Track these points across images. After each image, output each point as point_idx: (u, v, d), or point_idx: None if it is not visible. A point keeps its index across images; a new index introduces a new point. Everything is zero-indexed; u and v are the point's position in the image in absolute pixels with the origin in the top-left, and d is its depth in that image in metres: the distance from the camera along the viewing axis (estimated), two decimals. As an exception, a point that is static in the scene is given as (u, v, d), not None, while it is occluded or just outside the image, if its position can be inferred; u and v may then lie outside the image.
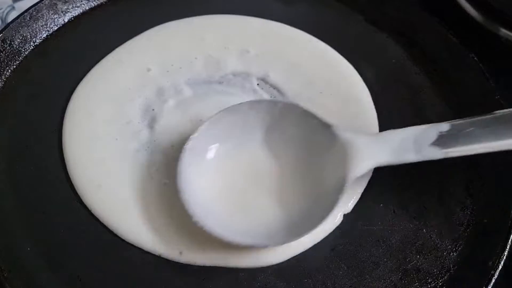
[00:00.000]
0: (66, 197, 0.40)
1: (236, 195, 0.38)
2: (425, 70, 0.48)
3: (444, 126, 0.36)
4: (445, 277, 0.36)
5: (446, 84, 0.46)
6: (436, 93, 0.46)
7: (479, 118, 0.37)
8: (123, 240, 0.38)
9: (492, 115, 0.37)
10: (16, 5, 0.62)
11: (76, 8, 0.52)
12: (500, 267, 0.35)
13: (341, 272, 0.37)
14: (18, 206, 0.40)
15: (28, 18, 0.49)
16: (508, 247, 0.36)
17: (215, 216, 0.36)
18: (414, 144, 0.36)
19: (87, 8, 0.53)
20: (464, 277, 0.36)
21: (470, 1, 0.52)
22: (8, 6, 0.62)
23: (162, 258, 0.37)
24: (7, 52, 0.47)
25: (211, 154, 0.39)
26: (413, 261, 0.37)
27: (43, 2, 0.50)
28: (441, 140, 0.36)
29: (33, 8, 0.49)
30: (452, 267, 0.36)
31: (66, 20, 0.51)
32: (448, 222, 0.39)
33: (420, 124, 0.38)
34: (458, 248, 0.37)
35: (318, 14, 0.53)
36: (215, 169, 0.38)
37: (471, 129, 0.36)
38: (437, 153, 0.35)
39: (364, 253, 0.37)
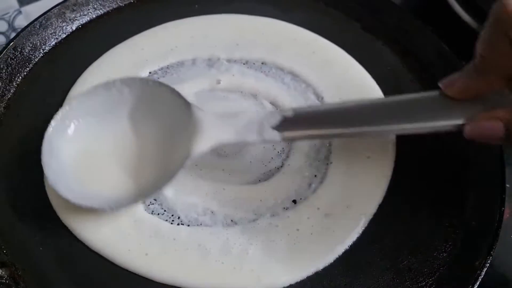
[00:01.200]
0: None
1: (93, 166, 0.41)
2: (419, 77, 0.49)
3: (288, 112, 0.39)
4: (435, 276, 0.38)
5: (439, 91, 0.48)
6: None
7: (318, 105, 0.42)
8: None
9: (336, 104, 0.41)
10: (23, 9, 0.63)
11: (84, 16, 0.54)
12: (486, 266, 0.36)
13: (336, 271, 0.38)
14: (30, 205, 0.41)
15: (38, 27, 0.51)
16: (494, 248, 0.37)
17: (67, 180, 0.39)
18: (258, 126, 0.39)
19: (94, 16, 0.54)
20: (453, 276, 0.37)
21: (465, 7, 0.54)
22: (15, 11, 0.63)
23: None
24: (18, 59, 0.49)
25: (72, 129, 0.41)
26: (405, 261, 0.39)
27: (52, 11, 0.52)
28: (283, 125, 0.38)
29: (42, 17, 0.51)
30: (442, 267, 0.38)
31: (74, 28, 0.53)
32: (439, 224, 0.40)
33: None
34: (448, 249, 0.39)
35: (315, 21, 0.54)
36: (80, 138, 0.41)
37: (310, 115, 0.40)
38: (277, 136, 0.38)
39: (358, 253, 0.39)
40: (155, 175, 0.40)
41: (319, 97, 0.47)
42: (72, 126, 0.41)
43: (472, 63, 0.35)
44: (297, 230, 0.40)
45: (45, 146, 0.39)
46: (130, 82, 0.42)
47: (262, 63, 0.50)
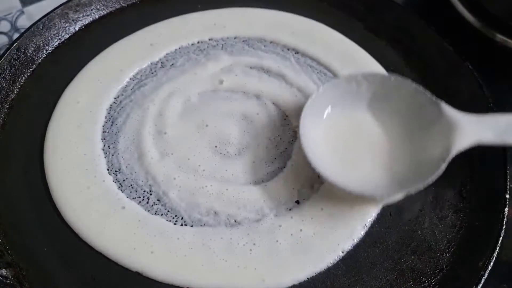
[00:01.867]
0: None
1: (346, 152, 0.43)
2: (421, 76, 0.49)
3: None
4: (438, 277, 0.38)
5: (441, 90, 0.47)
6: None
7: None
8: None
9: None
10: (26, 9, 0.63)
11: (87, 16, 0.54)
12: (490, 267, 0.37)
13: (339, 272, 0.38)
14: (33, 207, 0.42)
15: (41, 27, 0.51)
16: (497, 248, 0.37)
17: (331, 167, 0.40)
18: None
19: (97, 16, 0.54)
20: (456, 277, 0.38)
21: (468, 7, 0.54)
22: (18, 11, 0.63)
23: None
24: (22, 60, 0.49)
25: (325, 114, 0.44)
26: (408, 261, 0.39)
27: (55, 11, 0.52)
28: None
29: (45, 18, 0.51)
30: (445, 267, 0.38)
31: (77, 29, 0.53)
32: (442, 224, 0.41)
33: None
34: (451, 249, 0.39)
35: (319, 21, 0.54)
36: (329, 128, 0.44)
37: None
38: None
39: (361, 254, 0.39)
40: (408, 167, 0.41)
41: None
42: (324, 114, 0.44)
43: None
44: (300, 230, 0.40)
45: (303, 136, 0.41)
46: (371, 77, 0.44)
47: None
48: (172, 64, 0.51)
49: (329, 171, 0.40)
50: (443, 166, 0.38)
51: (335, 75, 0.50)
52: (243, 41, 0.52)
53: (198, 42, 0.52)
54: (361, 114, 0.45)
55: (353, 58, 0.51)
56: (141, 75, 0.50)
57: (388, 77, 0.44)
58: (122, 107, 0.47)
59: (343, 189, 0.39)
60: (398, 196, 0.41)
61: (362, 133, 0.44)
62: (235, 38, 0.53)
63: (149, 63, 0.50)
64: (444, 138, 0.40)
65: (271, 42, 0.52)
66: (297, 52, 0.52)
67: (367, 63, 0.50)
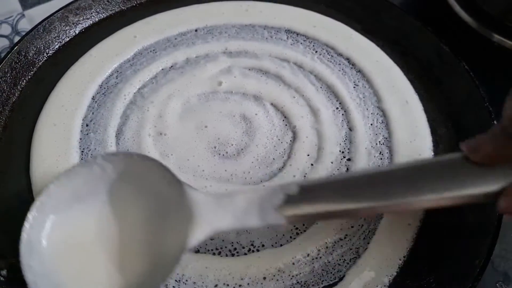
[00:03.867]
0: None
1: (77, 262, 0.36)
2: (418, 77, 0.50)
3: (292, 188, 0.34)
4: (436, 275, 0.38)
5: (438, 90, 0.48)
6: (428, 99, 0.48)
7: (326, 178, 0.39)
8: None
9: (347, 175, 0.38)
10: (26, 12, 0.64)
11: (87, 20, 0.54)
12: (486, 266, 0.36)
13: (338, 271, 0.39)
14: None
15: (41, 31, 0.51)
16: (494, 246, 0.37)
17: (51, 284, 0.34)
18: (259, 208, 0.34)
19: (97, 19, 0.55)
20: (454, 275, 0.38)
21: (465, 7, 0.54)
22: (18, 14, 0.63)
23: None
24: (22, 63, 0.50)
25: (56, 216, 0.36)
26: (405, 260, 0.39)
27: (55, 14, 0.52)
28: (288, 203, 0.34)
29: (46, 21, 0.51)
30: (443, 266, 0.38)
31: (77, 32, 0.54)
32: (439, 223, 0.40)
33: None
34: (448, 248, 0.39)
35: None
36: (61, 231, 0.36)
37: (317, 189, 0.35)
38: (281, 220, 0.34)
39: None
40: (146, 268, 0.35)
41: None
42: (52, 217, 0.36)
43: (499, 125, 0.31)
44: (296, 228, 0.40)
45: (23, 246, 0.34)
46: (113, 157, 0.37)
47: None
48: (171, 67, 0.51)
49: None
50: (176, 267, 0.33)
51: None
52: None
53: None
54: (104, 204, 0.38)
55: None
56: (143, 82, 0.50)
57: (129, 155, 0.38)
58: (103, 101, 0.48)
59: None
60: None
61: (99, 230, 0.37)
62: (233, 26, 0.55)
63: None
64: (182, 228, 0.34)
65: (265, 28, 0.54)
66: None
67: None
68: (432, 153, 0.45)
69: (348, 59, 0.52)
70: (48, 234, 0.36)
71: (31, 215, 0.35)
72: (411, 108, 0.47)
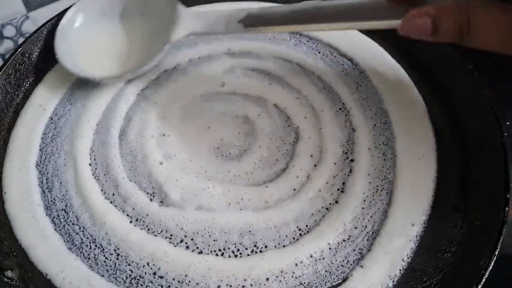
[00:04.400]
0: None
1: (93, 53, 0.51)
2: (422, 77, 0.49)
3: (254, 9, 0.45)
4: (440, 276, 0.38)
5: (442, 91, 0.48)
6: (432, 100, 0.48)
7: (280, 5, 0.45)
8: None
9: (296, 5, 0.44)
10: (30, 14, 0.64)
11: (90, 21, 0.54)
12: (491, 266, 0.36)
13: (341, 272, 0.39)
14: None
15: (45, 32, 0.51)
16: (499, 247, 0.37)
17: (74, 59, 0.49)
18: (226, 20, 0.45)
19: (101, 20, 0.55)
20: (458, 276, 0.37)
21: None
22: (22, 16, 0.64)
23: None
24: (26, 64, 0.50)
25: (84, 18, 0.52)
26: (409, 261, 0.39)
27: (59, 16, 0.52)
28: (248, 20, 0.44)
29: (49, 23, 0.51)
30: (446, 267, 0.38)
31: (81, 33, 0.54)
32: (443, 224, 0.41)
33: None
34: (452, 249, 0.39)
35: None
36: (85, 30, 0.52)
37: (273, 13, 0.44)
38: (241, 29, 0.45)
39: (364, 254, 0.40)
40: (140, 61, 0.49)
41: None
42: (80, 18, 0.51)
43: None
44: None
45: (59, 32, 0.50)
46: None
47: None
48: (175, 67, 0.51)
49: (72, 65, 0.48)
50: (158, 55, 0.48)
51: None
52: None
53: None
54: (115, 19, 0.52)
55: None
56: (145, 84, 0.50)
57: None
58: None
59: (79, 76, 0.48)
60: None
61: (111, 36, 0.52)
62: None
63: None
64: (168, 32, 0.47)
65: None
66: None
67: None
68: (436, 154, 0.44)
69: (351, 60, 0.52)
70: (77, 29, 0.51)
71: (70, 12, 0.51)
72: (414, 108, 0.47)
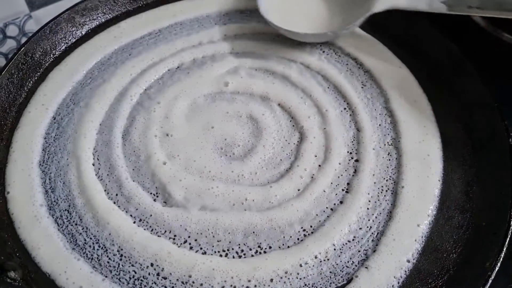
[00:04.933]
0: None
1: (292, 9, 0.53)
2: (427, 77, 0.49)
3: None
4: (445, 278, 0.38)
5: (446, 90, 0.48)
6: (437, 99, 0.48)
7: None
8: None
9: None
10: (33, 14, 0.64)
11: (93, 20, 0.55)
12: (497, 268, 0.36)
13: (346, 273, 0.39)
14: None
15: (48, 32, 0.51)
16: (505, 249, 0.37)
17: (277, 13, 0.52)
18: None
19: (103, 20, 0.55)
20: (463, 278, 0.37)
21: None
22: (25, 15, 0.63)
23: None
24: (29, 64, 0.50)
25: None
26: (414, 262, 0.39)
27: (61, 16, 0.52)
28: (451, 1, 0.46)
29: (52, 22, 0.52)
30: (452, 268, 0.38)
31: (83, 33, 0.54)
32: (448, 225, 0.40)
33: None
34: (458, 250, 0.39)
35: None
36: None
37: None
38: (444, 9, 0.46)
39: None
40: (340, 23, 0.51)
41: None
42: None
43: None
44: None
45: None
46: None
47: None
48: (178, 67, 0.51)
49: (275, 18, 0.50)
50: (360, 20, 0.49)
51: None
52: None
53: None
54: None
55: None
56: (148, 84, 0.50)
57: None
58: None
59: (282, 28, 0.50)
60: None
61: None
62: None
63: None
64: (368, 2, 0.50)
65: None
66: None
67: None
68: (441, 153, 0.44)
69: (355, 59, 0.52)
70: None
71: None
72: (419, 108, 0.47)
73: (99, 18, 0.55)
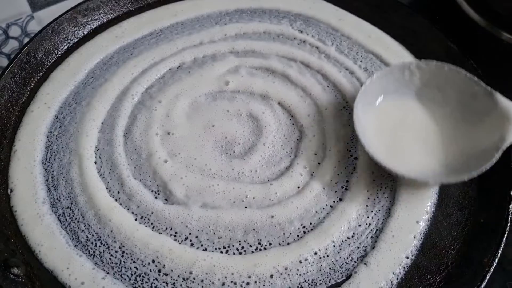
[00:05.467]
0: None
1: (397, 140, 0.44)
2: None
3: None
4: (443, 274, 0.38)
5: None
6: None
7: None
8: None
9: None
10: (35, 14, 0.64)
11: (95, 20, 0.55)
12: (494, 264, 0.37)
13: (345, 269, 0.39)
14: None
15: (50, 32, 0.52)
16: (502, 245, 0.37)
17: (383, 152, 0.42)
18: None
19: (105, 20, 0.55)
20: (461, 274, 0.38)
21: (473, 6, 0.54)
22: (28, 16, 0.64)
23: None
24: (32, 64, 0.50)
25: (377, 102, 0.46)
26: (413, 259, 0.39)
27: (64, 16, 0.53)
28: None
29: (54, 22, 0.52)
30: (450, 264, 0.39)
31: (85, 32, 0.54)
32: (447, 222, 0.41)
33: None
34: (456, 246, 0.39)
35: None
36: (380, 115, 0.45)
37: None
38: None
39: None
40: (462, 158, 0.42)
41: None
42: (375, 102, 0.46)
43: None
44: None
45: (356, 119, 0.43)
46: (425, 65, 0.45)
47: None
48: (179, 67, 0.51)
49: (382, 155, 0.41)
50: (497, 155, 0.39)
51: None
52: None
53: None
54: (411, 102, 0.46)
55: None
56: (149, 83, 0.50)
57: (441, 66, 0.44)
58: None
59: (396, 173, 0.40)
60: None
61: (413, 121, 0.45)
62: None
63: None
64: (498, 129, 0.41)
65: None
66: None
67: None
68: (440, 152, 0.44)
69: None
70: (370, 110, 0.45)
71: (364, 87, 0.44)
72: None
73: (100, 18, 0.55)
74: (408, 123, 0.45)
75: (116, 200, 0.42)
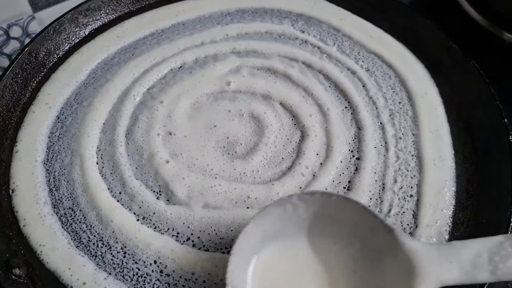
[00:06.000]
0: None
1: None
2: (429, 75, 0.49)
3: None
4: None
5: (448, 89, 0.48)
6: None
7: None
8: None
9: None
10: (36, 15, 0.64)
11: (96, 21, 0.55)
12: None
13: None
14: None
15: (51, 32, 0.52)
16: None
17: None
18: (489, 261, 0.31)
19: (106, 20, 0.55)
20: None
21: (474, 5, 0.54)
22: (29, 16, 0.64)
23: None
24: (33, 64, 0.50)
25: (255, 258, 0.36)
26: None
27: (65, 16, 0.53)
28: None
29: (56, 22, 0.52)
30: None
31: (87, 33, 0.54)
32: (450, 221, 0.41)
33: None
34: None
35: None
36: (264, 268, 0.36)
37: None
38: None
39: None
40: None
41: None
42: (254, 259, 0.36)
43: None
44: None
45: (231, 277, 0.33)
46: (307, 197, 0.35)
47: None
48: (181, 67, 0.51)
49: None
50: None
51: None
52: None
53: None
54: (301, 244, 0.37)
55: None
56: (151, 83, 0.50)
57: (327, 196, 0.35)
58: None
59: None
60: None
61: (304, 269, 0.36)
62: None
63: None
64: (401, 278, 0.33)
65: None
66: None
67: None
68: (442, 152, 0.44)
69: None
70: (253, 272, 0.36)
71: (231, 259, 0.33)
72: (420, 107, 0.47)
73: (102, 18, 0.55)
74: (298, 273, 0.36)
75: (118, 201, 0.42)
